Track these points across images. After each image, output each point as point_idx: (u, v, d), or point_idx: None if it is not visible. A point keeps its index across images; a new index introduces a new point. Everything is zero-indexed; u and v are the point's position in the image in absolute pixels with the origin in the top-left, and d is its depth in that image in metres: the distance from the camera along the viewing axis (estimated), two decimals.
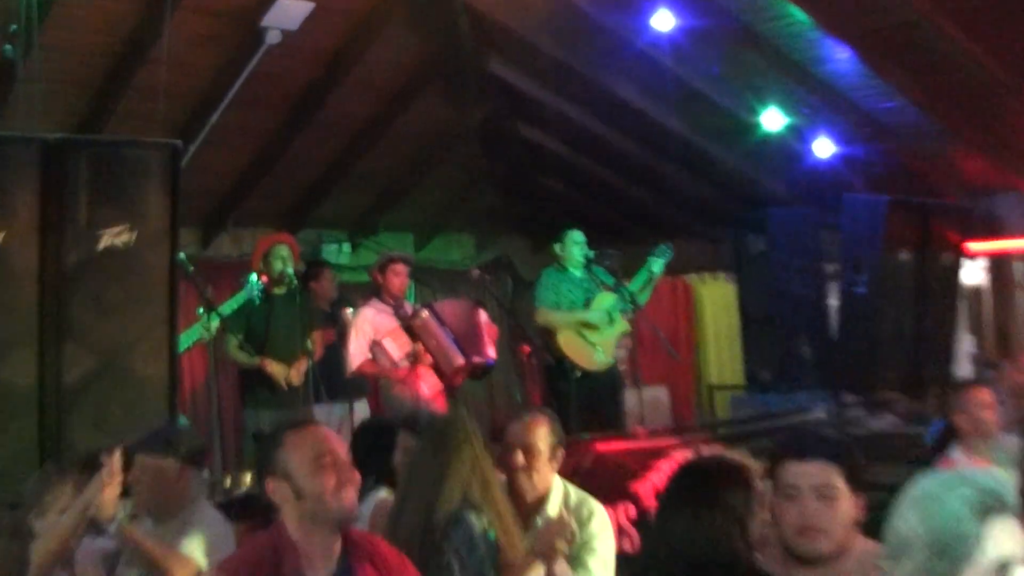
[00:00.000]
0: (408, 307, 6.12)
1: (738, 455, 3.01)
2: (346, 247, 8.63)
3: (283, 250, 5.97)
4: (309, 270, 6.61)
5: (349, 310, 6.39)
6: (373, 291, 6.16)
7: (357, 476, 2.37)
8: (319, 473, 2.30)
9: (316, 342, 5.97)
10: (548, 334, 6.35)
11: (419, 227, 9.48)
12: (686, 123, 7.97)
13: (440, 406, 5.78)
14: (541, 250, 9.25)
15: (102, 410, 3.67)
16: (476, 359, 5.92)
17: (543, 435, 3.26)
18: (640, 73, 7.25)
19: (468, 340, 5.95)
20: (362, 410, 6.39)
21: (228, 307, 5.54)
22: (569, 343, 6.26)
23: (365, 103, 7.64)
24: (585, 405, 6.15)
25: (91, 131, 6.50)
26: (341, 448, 2.41)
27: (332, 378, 5.99)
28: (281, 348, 5.91)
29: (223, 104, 6.64)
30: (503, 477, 3.24)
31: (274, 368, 5.88)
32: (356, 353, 5.82)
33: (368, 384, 6.47)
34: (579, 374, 6.15)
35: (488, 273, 7.10)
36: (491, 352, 6.12)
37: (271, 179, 7.94)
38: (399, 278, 6.00)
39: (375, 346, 5.81)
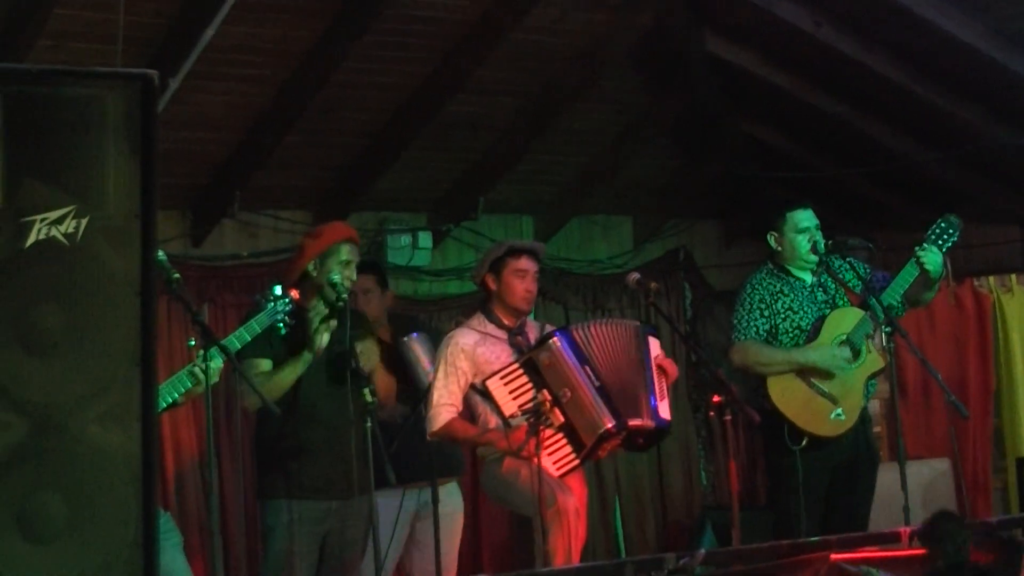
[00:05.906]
0: (532, 330, 5.67)
1: None
2: (424, 239, 8.03)
3: (353, 251, 5.37)
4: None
5: (415, 335, 5.90)
6: (480, 306, 5.71)
7: None
8: None
9: (380, 390, 5.37)
10: (756, 378, 5.88)
11: (543, 206, 8.73)
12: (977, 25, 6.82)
13: (577, 498, 5.29)
14: (741, 241, 9.24)
15: (33, 504, 3.56)
16: (634, 422, 5.39)
17: None
18: None
19: (624, 390, 5.46)
20: (452, 500, 6.00)
21: (238, 338, 4.91)
22: (787, 395, 5.75)
23: (465, 6, 6.66)
24: (816, 490, 5.76)
25: (9, 58, 5.84)
26: None
27: (404, 450, 5.53)
28: (322, 411, 5.24)
29: (222, 11, 5.83)
30: None
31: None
32: (443, 403, 5.45)
33: (461, 456, 6.18)
34: (805, 442, 5.73)
35: (655, 279, 6.86)
36: (664, 410, 5.55)
37: (302, 133, 7.09)
38: (526, 281, 5.57)
39: (476, 394, 5.49)
